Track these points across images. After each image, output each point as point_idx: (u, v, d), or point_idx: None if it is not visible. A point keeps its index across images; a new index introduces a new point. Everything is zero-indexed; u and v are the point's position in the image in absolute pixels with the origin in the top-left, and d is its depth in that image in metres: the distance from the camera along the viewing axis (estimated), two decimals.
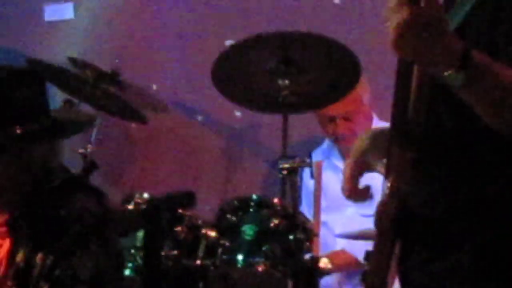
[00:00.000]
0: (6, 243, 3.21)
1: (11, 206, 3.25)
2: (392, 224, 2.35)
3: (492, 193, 2.33)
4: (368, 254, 2.50)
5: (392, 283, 2.58)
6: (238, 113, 4.73)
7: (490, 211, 2.33)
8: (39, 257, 3.10)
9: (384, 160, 2.48)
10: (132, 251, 4.19)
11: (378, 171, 2.53)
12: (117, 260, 3.35)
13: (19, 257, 3.15)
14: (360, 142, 2.65)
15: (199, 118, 5.07)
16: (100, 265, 3.15)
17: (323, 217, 4.66)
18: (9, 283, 3.20)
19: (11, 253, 3.20)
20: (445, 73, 2.10)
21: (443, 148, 2.40)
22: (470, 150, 2.35)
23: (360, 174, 2.58)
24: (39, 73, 3.48)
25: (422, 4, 2.02)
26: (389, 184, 2.34)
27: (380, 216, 2.34)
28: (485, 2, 2.34)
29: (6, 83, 3.28)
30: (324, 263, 4.56)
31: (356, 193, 2.60)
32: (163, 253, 4.13)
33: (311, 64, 4.15)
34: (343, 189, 2.66)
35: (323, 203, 4.65)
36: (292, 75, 4.10)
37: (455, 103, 2.25)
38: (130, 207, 4.18)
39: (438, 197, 2.41)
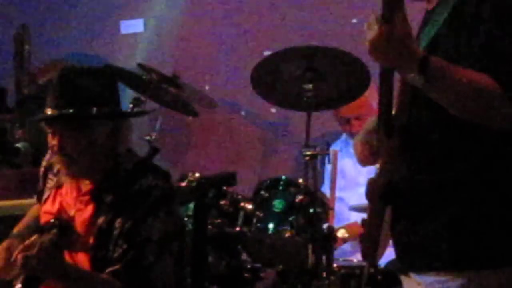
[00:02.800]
0: (89, 209, 3.25)
1: (91, 178, 3.30)
2: (381, 196, 2.44)
3: (458, 172, 2.39)
4: (363, 221, 2.57)
5: (385, 245, 2.57)
6: (273, 110, 4.77)
7: (456, 186, 2.41)
8: (118, 221, 3.16)
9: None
10: (185, 219, 4.22)
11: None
12: (179, 225, 3.41)
13: (101, 220, 3.19)
14: (366, 125, 2.77)
15: (243, 113, 5.14)
16: (167, 228, 3.21)
17: (341, 194, 4.73)
18: (91, 240, 3.22)
19: (93, 217, 3.23)
20: (409, 75, 2.24)
21: (420, 136, 2.45)
22: (441, 137, 2.42)
23: (369, 149, 2.65)
24: (111, 72, 3.57)
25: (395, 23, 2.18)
26: (378, 165, 2.48)
27: (371, 190, 2.47)
28: (448, 26, 2.37)
29: (87, 76, 3.30)
30: (341, 233, 4.65)
31: (369, 161, 2.68)
32: (209, 221, 4.23)
33: (330, 72, 4.19)
34: (359, 159, 2.80)
35: (341, 182, 4.71)
36: (315, 81, 4.14)
37: (428, 101, 2.34)
38: (183, 184, 4.28)
39: (416, 174, 2.46)
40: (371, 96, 4.38)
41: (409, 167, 2.48)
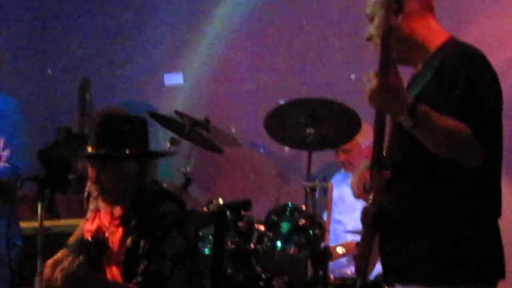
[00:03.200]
0: (119, 231, 3.35)
1: (122, 205, 3.37)
2: (372, 222, 2.51)
3: (436, 204, 2.45)
4: (357, 244, 2.84)
5: (374, 263, 2.66)
6: (286, 148, 4.79)
7: (433, 216, 2.45)
8: (142, 242, 3.24)
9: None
10: (210, 237, 4.27)
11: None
12: (192, 244, 3.41)
13: (128, 241, 3.28)
14: (361, 166, 2.76)
15: (261, 150, 5.20)
16: (179, 248, 3.25)
17: (340, 217, 4.79)
18: (121, 257, 3.29)
19: (123, 238, 3.33)
20: (400, 118, 2.31)
21: (406, 172, 2.50)
22: (421, 173, 2.47)
23: (361, 184, 2.65)
24: (143, 119, 3.56)
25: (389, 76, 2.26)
26: (370, 196, 2.52)
27: (365, 217, 2.53)
28: (430, 84, 2.45)
29: (122, 122, 3.37)
30: (340, 249, 4.63)
31: (362, 196, 2.68)
32: (229, 240, 4.26)
33: (328, 119, 4.20)
34: (355, 194, 2.84)
35: (340, 207, 4.79)
36: (315, 126, 4.17)
37: (414, 143, 2.37)
38: (206, 209, 4.28)
39: (402, 203, 2.51)
40: (361, 138, 4.45)
41: (396, 198, 2.51)
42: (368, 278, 2.98)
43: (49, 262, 3.33)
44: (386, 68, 2.30)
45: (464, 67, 2.48)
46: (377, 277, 3.79)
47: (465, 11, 4.87)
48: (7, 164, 3.83)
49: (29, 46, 6.24)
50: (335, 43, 5.12)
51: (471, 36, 4.64)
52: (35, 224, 4.62)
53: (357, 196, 2.81)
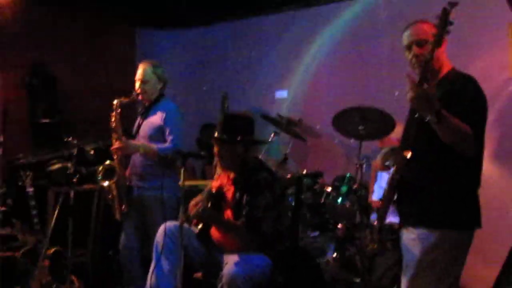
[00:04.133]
0: (231, 189, 3.51)
1: (232, 170, 3.53)
2: (395, 185, 2.55)
3: (440, 173, 2.51)
4: (380, 199, 2.80)
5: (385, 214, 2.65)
6: (351, 140, 4.80)
7: (437, 181, 2.51)
8: (245, 195, 3.40)
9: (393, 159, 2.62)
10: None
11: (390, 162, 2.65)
12: (277, 198, 3.50)
13: (237, 195, 3.45)
14: (383, 151, 2.86)
15: (336, 141, 5.31)
16: (268, 201, 3.39)
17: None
18: (229, 211, 3.47)
19: (234, 193, 3.48)
20: (428, 117, 2.32)
21: (421, 152, 2.51)
22: (432, 154, 2.51)
23: (383, 163, 2.75)
24: (252, 117, 3.64)
25: (424, 86, 2.32)
26: (395, 167, 2.55)
27: (391, 181, 2.56)
28: (443, 96, 2.44)
29: (238, 119, 3.58)
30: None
31: (382, 168, 2.80)
32: (308, 197, 4.45)
33: (374, 120, 4.32)
34: (376, 168, 3.06)
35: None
36: (365, 124, 4.34)
37: (430, 134, 2.40)
38: (289, 176, 4.46)
39: (417, 174, 2.53)
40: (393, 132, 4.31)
41: (413, 170, 2.52)
42: (384, 222, 2.97)
43: (192, 201, 3.53)
44: (423, 82, 2.35)
45: (468, 88, 2.54)
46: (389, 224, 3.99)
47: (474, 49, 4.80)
48: (171, 145, 3.99)
49: (192, 74, 6.57)
50: (384, 70, 5.09)
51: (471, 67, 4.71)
52: (189, 182, 5.00)
53: (379, 169, 2.97)
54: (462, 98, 2.48)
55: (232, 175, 3.54)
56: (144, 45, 6.39)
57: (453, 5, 2.39)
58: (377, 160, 2.89)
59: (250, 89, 6.10)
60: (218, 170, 3.70)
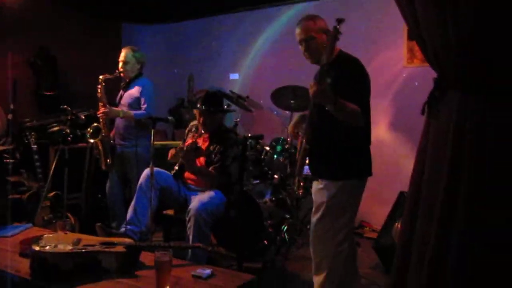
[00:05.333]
0: (207, 143, 3.45)
1: (211, 131, 3.46)
2: (306, 153, 2.52)
3: (336, 139, 2.49)
4: (297, 159, 2.62)
5: (303, 168, 2.64)
6: (287, 112, 4.61)
7: (335, 144, 2.49)
8: (217, 147, 3.37)
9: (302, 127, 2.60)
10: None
11: (299, 128, 2.66)
12: (239, 153, 3.40)
13: (211, 147, 3.41)
14: (295, 118, 2.77)
15: (275, 112, 5.15)
16: (235, 152, 3.37)
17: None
18: (202, 159, 3.39)
19: (208, 145, 3.44)
20: (328, 106, 2.29)
21: (321, 125, 2.46)
22: (331, 126, 2.44)
23: (294, 129, 2.69)
24: (222, 93, 3.72)
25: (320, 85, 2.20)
26: (304, 138, 2.50)
27: (303, 150, 2.49)
28: (335, 79, 2.37)
29: (215, 95, 3.49)
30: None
31: (293, 136, 2.75)
32: (251, 153, 4.28)
33: (301, 96, 4.20)
34: (289, 134, 2.91)
35: None
36: (295, 99, 4.22)
37: (328, 113, 2.34)
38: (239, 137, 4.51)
39: (322, 141, 2.51)
40: None
41: (316, 138, 2.49)
42: (301, 175, 3.01)
43: (171, 151, 3.44)
44: (322, 80, 2.25)
45: (355, 70, 2.45)
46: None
47: (372, 45, 4.75)
48: (144, 111, 3.90)
49: (167, 60, 6.35)
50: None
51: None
52: (161, 142, 4.91)
53: (290, 134, 2.83)
54: (351, 80, 2.41)
55: (206, 135, 3.49)
56: (129, 37, 6.15)
57: (340, 21, 2.27)
58: (290, 127, 2.76)
59: (210, 72, 5.95)
60: (191, 134, 3.58)
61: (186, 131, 3.75)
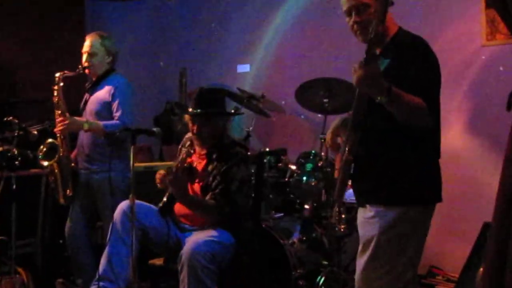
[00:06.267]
0: (204, 162, 3.53)
1: (209, 145, 3.55)
2: (349, 168, 2.52)
3: (392, 151, 2.49)
4: (337, 178, 2.67)
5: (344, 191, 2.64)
6: (319, 115, 4.75)
7: (391, 159, 2.50)
8: (219, 166, 3.45)
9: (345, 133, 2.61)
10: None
11: (341, 137, 2.70)
12: (250, 174, 3.64)
13: (209, 167, 3.48)
14: (334, 122, 2.78)
15: (302, 117, 5.31)
16: (243, 174, 3.47)
17: None
18: (196, 185, 3.49)
19: (205, 165, 3.51)
20: (379, 98, 2.28)
21: (373, 131, 2.49)
22: (386, 132, 2.48)
23: (334, 137, 2.74)
24: (223, 91, 3.79)
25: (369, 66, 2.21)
26: (347, 147, 2.51)
27: (344, 163, 2.53)
28: (391, 64, 2.45)
29: (210, 94, 3.63)
30: None
31: (333, 148, 2.78)
32: (271, 175, 4.39)
33: (338, 92, 4.31)
34: (327, 145, 2.88)
35: None
36: (330, 97, 4.36)
37: (382, 111, 2.35)
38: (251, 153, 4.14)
39: (372, 152, 2.53)
40: None
41: (366, 148, 2.51)
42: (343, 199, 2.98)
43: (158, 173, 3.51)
44: (369, 61, 2.25)
45: (417, 51, 2.47)
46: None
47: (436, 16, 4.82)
48: (118, 121, 3.94)
49: (149, 48, 6.48)
50: (353, 39, 5.11)
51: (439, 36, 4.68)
52: (145, 163, 5.05)
53: (329, 145, 2.82)
54: (412, 66, 2.44)
55: (203, 151, 3.56)
56: (95, 18, 6.30)
57: None
58: (328, 135, 2.77)
59: (210, 64, 6.04)
60: (185, 151, 3.59)
61: (179, 147, 3.80)
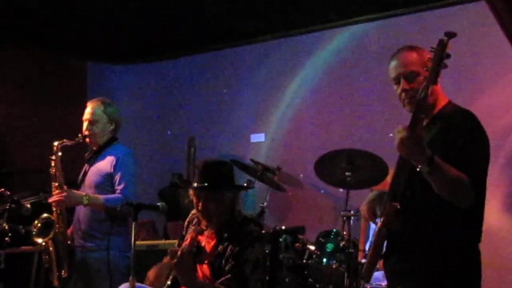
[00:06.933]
0: (213, 241, 3.44)
1: (218, 224, 3.45)
2: (382, 240, 2.56)
3: (433, 232, 2.52)
4: (366, 255, 2.78)
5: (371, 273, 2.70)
6: (341, 190, 4.74)
7: (430, 240, 2.51)
8: (230, 248, 3.31)
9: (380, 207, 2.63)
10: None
11: (377, 211, 2.69)
12: (265, 254, 3.59)
13: (220, 248, 3.36)
14: (370, 195, 2.80)
15: (322, 191, 5.30)
16: (258, 255, 3.36)
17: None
18: (212, 258, 3.38)
19: (215, 245, 3.41)
20: (420, 166, 2.33)
21: (413, 204, 2.52)
22: (424, 207, 2.51)
23: (371, 211, 2.73)
24: (232, 163, 3.67)
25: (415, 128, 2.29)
26: (382, 219, 2.54)
27: (377, 235, 2.55)
28: (438, 136, 2.52)
29: (217, 166, 3.53)
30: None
31: (370, 219, 2.77)
32: (287, 256, 4.35)
33: (363, 165, 4.28)
34: (364, 217, 2.87)
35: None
36: (353, 171, 4.29)
37: (423, 183, 2.40)
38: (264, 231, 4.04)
39: (408, 228, 2.54)
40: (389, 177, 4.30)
41: (403, 222, 2.52)
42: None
43: (153, 268, 3.51)
44: (415, 124, 2.33)
45: (467, 126, 2.55)
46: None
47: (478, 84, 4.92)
48: (120, 195, 3.98)
49: (154, 114, 6.59)
50: (376, 107, 5.17)
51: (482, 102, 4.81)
52: (148, 241, 5.08)
53: (366, 218, 2.83)
54: (459, 138, 2.50)
55: (212, 229, 3.51)
56: (97, 82, 6.46)
57: (451, 35, 2.39)
58: (363, 207, 2.80)
59: (221, 133, 6.15)
60: (194, 229, 3.55)
61: (186, 223, 3.78)
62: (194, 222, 3.67)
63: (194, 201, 3.49)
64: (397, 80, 2.68)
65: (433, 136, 2.52)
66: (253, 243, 3.40)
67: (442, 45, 2.39)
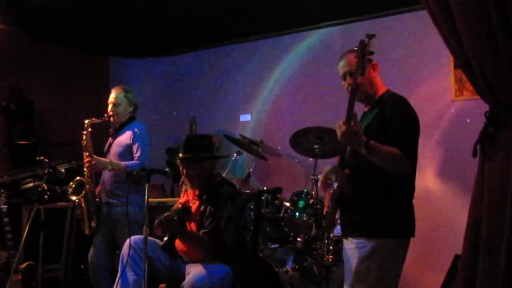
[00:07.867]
0: (197, 203, 3.46)
1: (200, 187, 3.47)
2: (337, 200, 2.59)
3: (375, 190, 2.54)
4: (326, 212, 2.80)
5: (335, 225, 2.84)
6: (310, 159, 4.73)
7: (373, 197, 2.54)
8: (208, 208, 3.36)
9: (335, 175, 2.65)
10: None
11: (332, 178, 2.74)
12: (238, 211, 3.50)
13: (202, 208, 3.40)
14: (326, 168, 2.86)
15: (296, 160, 5.21)
16: (231, 212, 3.35)
17: None
18: (197, 217, 3.41)
19: (198, 206, 3.44)
20: (359, 150, 2.40)
21: (359, 171, 2.54)
22: (369, 173, 2.52)
23: (326, 178, 2.78)
24: (211, 136, 3.62)
25: (352, 124, 2.33)
26: (336, 184, 2.59)
27: (333, 197, 2.59)
28: (374, 121, 2.54)
29: (199, 138, 3.56)
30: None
31: (322, 187, 2.81)
32: (268, 211, 4.31)
33: (328, 140, 4.32)
34: (320, 186, 2.89)
35: None
36: (320, 144, 4.35)
37: (363, 157, 2.43)
38: (249, 191, 4.43)
39: (356, 190, 2.58)
40: None
41: (352, 187, 2.56)
42: (332, 233, 3.21)
43: (158, 220, 3.37)
44: (349, 118, 2.35)
45: (399, 109, 2.54)
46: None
47: (420, 76, 4.88)
48: (137, 162, 3.97)
49: (163, 100, 6.55)
50: (339, 94, 5.16)
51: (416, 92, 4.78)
52: (158, 199, 5.04)
53: (321, 187, 2.87)
54: (393, 119, 2.49)
55: (197, 191, 3.51)
56: (118, 74, 6.37)
57: (371, 36, 2.45)
58: (321, 177, 2.83)
59: (216, 114, 6.07)
60: (184, 188, 3.65)
61: (180, 183, 3.82)
62: (185, 183, 3.69)
63: (180, 168, 3.47)
64: (343, 77, 2.73)
65: (373, 119, 2.54)
66: (226, 202, 3.38)
67: (363, 44, 2.44)
